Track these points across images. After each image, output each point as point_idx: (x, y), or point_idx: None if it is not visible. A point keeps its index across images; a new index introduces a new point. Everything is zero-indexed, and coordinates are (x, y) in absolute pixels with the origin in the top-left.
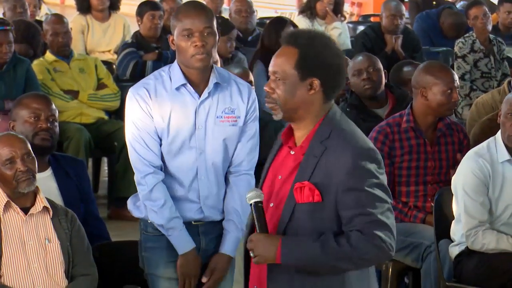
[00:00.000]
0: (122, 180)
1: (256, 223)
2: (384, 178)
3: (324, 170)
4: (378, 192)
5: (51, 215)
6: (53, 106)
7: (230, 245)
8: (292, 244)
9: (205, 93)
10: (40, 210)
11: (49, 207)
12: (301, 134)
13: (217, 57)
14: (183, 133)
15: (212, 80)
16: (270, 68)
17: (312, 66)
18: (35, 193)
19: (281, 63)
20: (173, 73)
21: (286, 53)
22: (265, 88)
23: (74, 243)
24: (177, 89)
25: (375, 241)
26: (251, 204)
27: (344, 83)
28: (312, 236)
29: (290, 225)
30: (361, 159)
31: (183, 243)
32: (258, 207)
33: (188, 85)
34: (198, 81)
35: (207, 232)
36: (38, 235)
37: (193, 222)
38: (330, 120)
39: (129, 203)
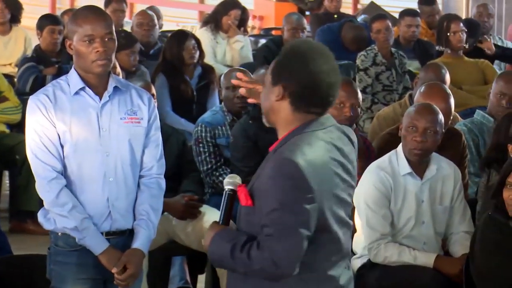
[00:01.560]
0: (24, 194)
1: (220, 210)
2: (297, 196)
3: (261, 175)
4: (285, 210)
5: None
6: None
7: (143, 241)
8: (218, 239)
9: (105, 96)
10: None
11: None
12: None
13: (119, 69)
14: (87, 136)
15: (111, 83)
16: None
17: (281, 74)
18: None
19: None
20: (71, 78)
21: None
22: None
23: None
24: (77, 93)
25: (264, 256)
26: (224, 191)
27: (326, 99)
28: (239, 236)
29: (238, 226)
30: (278, 172)
31: (99, 242)
32: (228, 195)
33: (87, 88)
34: (97, 84)
35: (118, 245)
36: None
37: (104, 236)
38: (296, 131)
39: (40, 215)
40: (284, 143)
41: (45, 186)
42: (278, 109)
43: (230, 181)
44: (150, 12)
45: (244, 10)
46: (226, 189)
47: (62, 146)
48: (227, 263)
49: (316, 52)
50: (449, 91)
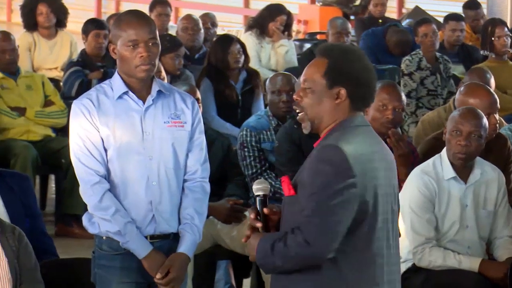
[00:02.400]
0: (69, 197)
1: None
2: (342, 185)
3: (304, 167)
4: (323, 192)
5: None
6: None
7: (188, 245)
8: (262, 244)
9: (149, 100)
10: None
11: None
12: None
13: (164, 74)
14: (131, 139)
15: (155, 88)
16: (301, 78)
17: (339, 76)
18: None
19: (311, 72)
20: (114, 83)
21: (316, 63)
22: (294, 96)
23: (21, 260)
24: (120, 97)
25: (298, 239)
26: (256, 196)
27: (373, 96)
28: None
29: (282, 218)
30: (320, 157)
31: (142, 246)
32: (260, 201)
33: (131, 92)
34: (140, 89)
35: (162, 248)
36: None
37: (148, 239)
38: (340, 126)
39: (84, 219)
40: (328, 137)
41: (88, 190)
42: (338, 111)
43: (260, 187)
44: (195, 16)
45: (289, 15)
46: (257, 195)
47: (105, 150)
48: (271, 262)
49: (359, 51)
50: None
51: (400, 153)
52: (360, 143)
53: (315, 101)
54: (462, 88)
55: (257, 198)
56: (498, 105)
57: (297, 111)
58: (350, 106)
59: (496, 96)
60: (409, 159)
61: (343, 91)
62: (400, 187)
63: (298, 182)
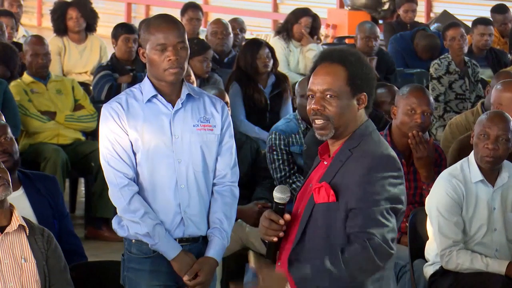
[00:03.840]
0: (99, 201)
1: None
2: (398, 189)
3: (345, 173)
4: (381, 207)
5: (27, 233)
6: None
7: (216, 249)
8: (297, 275)
9: (178, 103)
10: (15, 228)
11: (25, 225)
12: (336, 146)
13: (193, 77)
14: (159, 143)
15: (184, 91)
16: (318, 87)
17: (361, 82)
18: (11, 211)
19: (333, 81)
20: (144, 86)
21: (335, 71)
22: (313, 106)
23: (50, 262)
24: (149, 101)
25: (357, 247)
26: (274, 203)
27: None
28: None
29: (309, 225)
30: (375, 169)
31: (172, 247)
32: (280, 209)
33: (160, 96)
34: (169, 92)
35: (192, 251)
36: (14, 253)
37: (177, 242)
38: (362, 131)
39: (114, 222)
40: (359, 141)
41: (117, 193)
42: (359, 116)
43: (282, 197)
44: (224, 21)
45: (315, 18)
46: (278, 203)
47: (134, 153)
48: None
49: (360, 53)
50: None
51: (419, 156)
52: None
53: (342, 109)
54: (498, 86)
55: (277, 206)
56: None
57: (318, 119)
58: (366, 110)
59: None
60: (428, 162)
61: (364, 97)
62: (418, 188)
63: (339, 186)
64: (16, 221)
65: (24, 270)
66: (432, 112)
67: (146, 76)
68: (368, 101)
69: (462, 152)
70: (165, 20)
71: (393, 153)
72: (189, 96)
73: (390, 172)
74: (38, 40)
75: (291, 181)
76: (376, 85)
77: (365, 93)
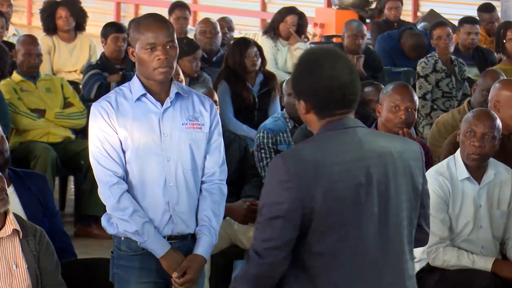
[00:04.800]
0: (89, 198)
1: None
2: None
3: None
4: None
5: (20, 237)
6: None
7: (204, 247)
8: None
9: (167, 102)
10: (9, 233)
11: (19, 229)
12: None
13: (182, 76)
14: (149, 141)
15: (173, 90)
16: None
17: (297, 89)
18: (5, 214)
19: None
20: (133, 85)
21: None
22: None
23: (42, 263)
24: (138, 99)
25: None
26: None
27: (340, 100)
28: None
29: None
30: (269, 170)
31: (160, 245)
32: None
33: (149, 94)
34: (158, 91)
35: (181, 249)
36: (6, 258)
37: (166, 240)
38: (317, 134)
39: (103, 220)
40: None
41: (106, 191)
42: (309, 121)
43: None
44: (213, 20)
45: (301, 16)
46: None
47: (124, 152)
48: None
49: (321, 58)
50: None
51: None
52: (314, 149)
53: (299, 112)
54: (497, 84)
55: None
56: None
57: None
58: (317, 116)
59: None
60: None
61: (303, 104)
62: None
63: None
64: (10, 225)
65: (14, 275)
66: (416, 108)
67: (135, 75)
68: (316, 108)
69: (456, 146)
70: (155, 19)
71: (287, 155)
72: (178, 94)
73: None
74: (31, 40)
75: None
76: (364, 84)
77: (303, 101)
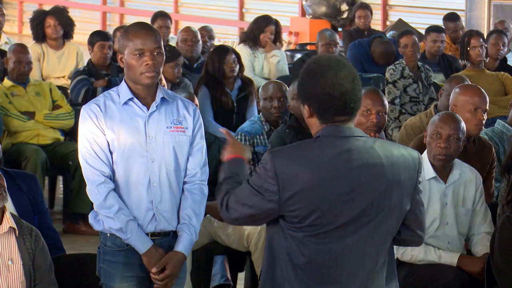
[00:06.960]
0: (76, 197)
1: None
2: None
3: None
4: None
5: (16, 234)
6: None
7: (185, 244)
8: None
9: (153, 106)
10: (6, 231)
11: (15, 227)
12: None
13: (164, 81)
14: (134, 143)
15: (159, 95)
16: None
17: (302, 94)
18: (3, 211)
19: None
20: (121, 90)
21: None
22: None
23: (36, 262)
24: (126, 103)
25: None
26: None
27: (341, 107)
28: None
29: None
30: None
31: (143, 242)
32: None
33: (135, 99)
34: (145, 96)
35: (163, 245)
36: (2, 255)
37: (149, 236)
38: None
39: (90, 217)
40: None
41: (94, 190)
42: (312, 125)
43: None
44: (194, 28)
45: (277, 24)
46: None
47: (111, 152)
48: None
49: (326, 65)
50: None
51: None
52: (301, 153)
53: (303, 115)
54: (456, 89)
55: None
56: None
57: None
58: (319, 120)
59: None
60: None
61: (307, 108)
62: None
63: None
64: (7, 223)
65: (10, 271)
66: (386, 112)
67: (123, 80)
68: (318, 113)
69: (420, 149)
70: (143, 27)
71: (276, 154)
72: (163, 99)
73: (261, 168)
74: (22, 49)
75: None
76: None
77: (306, 105)
